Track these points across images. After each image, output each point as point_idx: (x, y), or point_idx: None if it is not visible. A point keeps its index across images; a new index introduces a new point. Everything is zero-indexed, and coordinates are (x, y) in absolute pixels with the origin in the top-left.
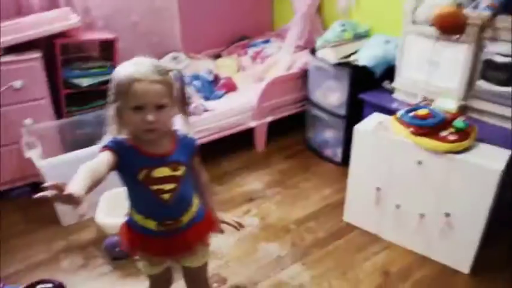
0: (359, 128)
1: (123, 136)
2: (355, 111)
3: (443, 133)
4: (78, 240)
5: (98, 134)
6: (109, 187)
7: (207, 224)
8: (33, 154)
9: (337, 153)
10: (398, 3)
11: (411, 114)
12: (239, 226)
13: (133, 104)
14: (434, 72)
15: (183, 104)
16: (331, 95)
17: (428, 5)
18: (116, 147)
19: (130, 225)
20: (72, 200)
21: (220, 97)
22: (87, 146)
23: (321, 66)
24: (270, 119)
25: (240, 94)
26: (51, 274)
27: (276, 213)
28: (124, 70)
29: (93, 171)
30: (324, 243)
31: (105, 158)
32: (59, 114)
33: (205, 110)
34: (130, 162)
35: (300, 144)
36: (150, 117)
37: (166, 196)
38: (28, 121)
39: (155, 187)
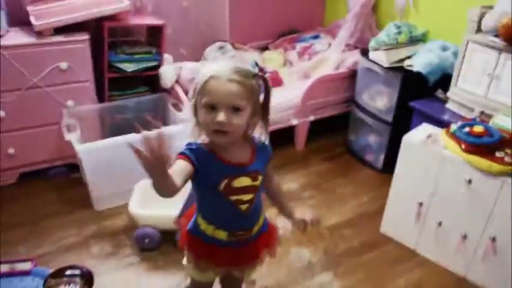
0: (407, 139)
1: (201, 141)
2: (402, 118)
3: (499, 154)
4: (109, 227)
5: (138, 120)
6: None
7: (272, 233)
8: (73, 137)
9: (379, 160)
10: (461, 8)
11: (465, 130)
12: (317, 223)
13: (206, 102)
14: (495, 86)
15: (265, 112)
16: (379, 99)
17: (496, 13)
18: (194, 156)
19: (195, 235)
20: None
21: None
22: (126, 132)
23: (371, 69)
24: (312, 118)
25: (284, 90)
26: (80, 259)
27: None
28: (205, 68)
29: (169, 176)
30: (357, 253)
31: (180, 168)
32: (100, 98)
33: None
34: (210, 172)
35: (340, 147)
36: (221, 117)
37: (244, 207)
38: (70, 103)
39: (234, 197)
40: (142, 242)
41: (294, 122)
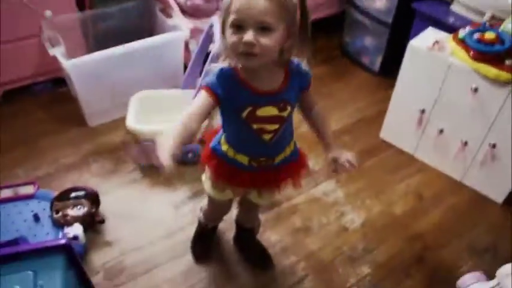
0: (413, 45)
1: (230, 65)
2: (402, 20)
3: (508, 62)
4: (106, 143)
5: (122, 28)
6: (142, 88)
7: (300, 166)
8: (57, 52)
9: (376, 62)
10: None
11: (476, 36)
12: (352, 167)
13: (232, 20)
14: None
15: (303, 33)
16: None
17: None
18: (218, 83)
19: (217, 154)
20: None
21: None
22: (112, 42)
23: None
24: None
25: None
26: (81, 178)
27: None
28: None
29: (186, 130)
30: (358, 160)
31: (203, 106)
32: (80, 6)
33: None
34: (234, 97)
35: (335, 49)
36: (248, 36)
37: (267, 136)
38: (48, 13)
39: (258, 126)
40: (141, 158)
41: None
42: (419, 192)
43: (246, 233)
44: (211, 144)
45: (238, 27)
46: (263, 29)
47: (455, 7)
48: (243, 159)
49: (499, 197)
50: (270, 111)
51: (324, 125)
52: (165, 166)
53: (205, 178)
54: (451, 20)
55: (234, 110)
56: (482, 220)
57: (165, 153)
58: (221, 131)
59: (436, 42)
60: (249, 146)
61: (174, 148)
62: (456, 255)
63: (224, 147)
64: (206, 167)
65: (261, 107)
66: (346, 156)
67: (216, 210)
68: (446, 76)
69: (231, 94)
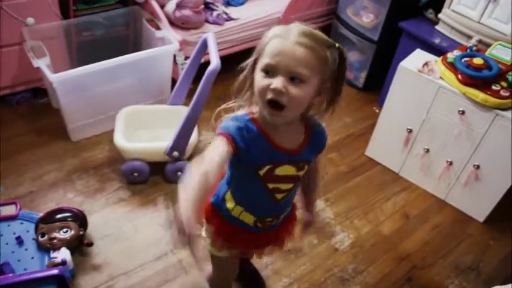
0: (404, 66)
1: (249, 112)
2: (388, 38)
3: (495, 87)
4: (90, 159)
5: (108, 37)
6: (128, 103)
7: (294, 218)
8: (42, 63)
9: (360, 78)
10: None
11: (464, 60)
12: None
13: (264, 64)
14: (491, 11)
15: (335, 92)
16: (365, 15)
17: None
18: (239, 136)
19: (219, 211)
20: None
21: (242, 3)
22: (95, 50)
23: None
24: None
25: (264, 2)
26: (65, 197)
27: None
28: (275, 28)
29: (203, 195)
30: (346, 178)
31: (221, 157)
32: (64, 14)
33: (228, 19)
34: (255, 152)
35: None
36: (278, 83)
37: (279, 196)
38: (30, 20)
39: (273, 185)
40: (130, 176)
41: None
42: (405, 212)
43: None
44: (212, 199)
45: (270, 72)
46: (295, 79)
47: (440, 28)
48: (249, 219)
49: (481, 216)
50: (288, 170)
51: (313, 194)
52: (180, 242)
53: (204, 234)
54: (437, 40)
55: (252, 166)
56: (466, 238)
57: (182, 230)
58: (224, 186)
59: (426, 64)
60: (259, 205)
61: (192, 226)
62: (443, 274)
63: (229, 204)
64: (206, 223)
65: (280, 166)
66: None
67: (222, 271)
68: (435, 98)
69: (251, 148)
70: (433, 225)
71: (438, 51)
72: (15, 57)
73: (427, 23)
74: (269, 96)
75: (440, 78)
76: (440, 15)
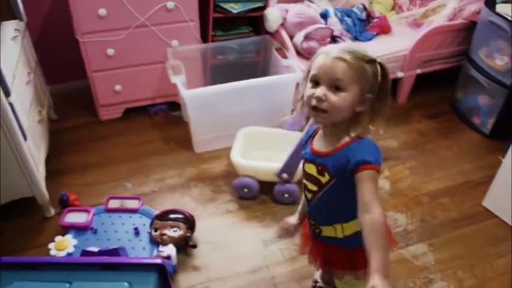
0: None
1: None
2: None
3: None
4: (208, 171)
5: (239, 62)
6: (249, 124)
7: (357, 257)
8: (178, 80)
9: (487, 124)
10: None
11: None
12: None
13: (312, 75)
14: None
15: (379, 103)
16: (499, 58)
17: None
18: (304, 138)
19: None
20: None
21: (370, 39)
22: (227, 73)
23: (495, 22)
24: (419, 71)
25: (392, 39)
26: (181, 200)
27: (408, 180)
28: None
29: None
30: (456, 225)
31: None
32: (203, 38)
33: None
34: (304, 146)
35: (445, 104)
36: (319, 91)
37: (309, 195)
38: (175, 42)
39: (305, 181)
40: (240, 191)
41: (400, 74)
42: None
43: None
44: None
45: (315, 82)
46: (336, 87)
47: None
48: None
49: None
50: (311, 169)
51: (369, 240)
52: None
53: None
54: None
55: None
56: None
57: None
58: None
59: None
60: (305, 198)
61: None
62: None
63: None
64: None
65: (307, 163)
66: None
67: None
68: None
69: (304, 146)
70: None
71: None
72: (158, 73)
73: None
74: (312, 103)
75: None
76: None
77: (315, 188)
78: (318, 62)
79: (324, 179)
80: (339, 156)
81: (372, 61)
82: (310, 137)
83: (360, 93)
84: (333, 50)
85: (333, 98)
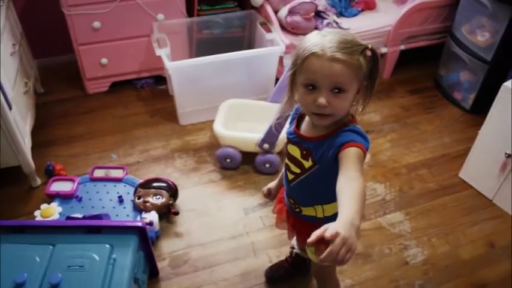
0: (507, 86)
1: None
2: (502, 59)
3: None
4: (192, 143)
5: (224, 36)
6: (233, 96)
7: (311, 226)
8: (163, 53)
9: (468, 99)
10: None
11: None
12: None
13: (305, 80)
14: None
15: (368, 89)
16: (481, 34)
17: None
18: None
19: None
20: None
21: (355, 14)
22: (212, 48)
23: None
24: (403, 47)
25: (376, 14)
26: (165, 171)
27: (388, 152)
28: (309, 39)
29: None
30: (432, 195)
31: None
32: (189, 12)
33: (339, 28)
34: (289, 127)
35: (427, 80)
36: (322, 100)
37: (290, 176)
38: (160, 16)
39: (287, 161)
40: (223, 161)
41: (384, 50)
42: (491, 240)
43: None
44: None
45: (312, 87)
46: (336, 90)
47: None
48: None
49: None
50: (295, 151)
51: (345, 193)
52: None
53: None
54: None
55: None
56: None
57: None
58: None
59: None
60: (285, 179)
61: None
62: None
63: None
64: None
65: (291, 144)
66: (333, 233)
67: None
68: None
69: (290, 124)
70: None
71: None
72: (143, 47)
73: None
74: (315, 110)
75: None
76: None
77: (297, 171)
78: (312, 67)
79: (307, 163)
80: (326, 143)
81: (365, 50)
82: (296, 115)
83: (358, 86)
84: (325, 48)
85: (336, 101)
